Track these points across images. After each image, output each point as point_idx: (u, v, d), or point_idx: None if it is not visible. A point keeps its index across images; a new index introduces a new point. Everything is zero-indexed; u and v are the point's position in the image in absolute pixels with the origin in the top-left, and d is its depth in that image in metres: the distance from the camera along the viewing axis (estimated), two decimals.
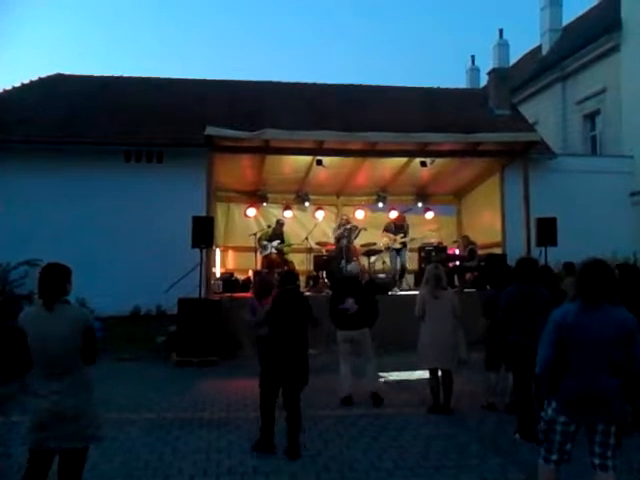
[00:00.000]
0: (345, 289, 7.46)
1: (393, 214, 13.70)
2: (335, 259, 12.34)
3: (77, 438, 3.52)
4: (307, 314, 5.84)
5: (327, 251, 12.80)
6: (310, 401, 6.86)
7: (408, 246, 13.20)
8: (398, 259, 13.00)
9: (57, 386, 3.50)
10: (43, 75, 17.90)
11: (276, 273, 9.46)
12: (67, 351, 3.53)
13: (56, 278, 3.63)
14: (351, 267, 8.44)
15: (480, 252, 12.85)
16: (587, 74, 19.33)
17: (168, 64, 61.64)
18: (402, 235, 12.99)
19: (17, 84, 17.43)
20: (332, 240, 13.04)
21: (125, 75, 18.50)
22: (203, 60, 68.70)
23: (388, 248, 13.01)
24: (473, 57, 27.47)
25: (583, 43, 19.30)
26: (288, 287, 6.02)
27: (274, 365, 5.52)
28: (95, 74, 18.15)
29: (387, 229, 13.18)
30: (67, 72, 18.21)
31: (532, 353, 4.35)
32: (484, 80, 22.97)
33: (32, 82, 17.54)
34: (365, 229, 13.26)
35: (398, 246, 12.95)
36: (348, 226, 12.86)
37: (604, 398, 3.54)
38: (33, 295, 10.71)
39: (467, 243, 13.10)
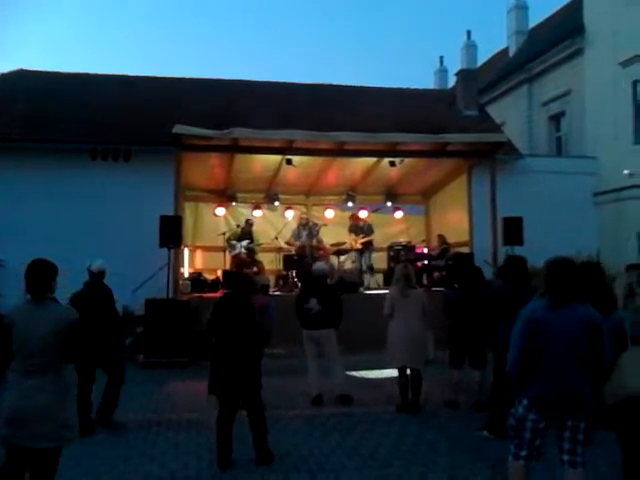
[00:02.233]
0: (310, 289, 7.43)
1: (363, 213, 13.77)
2: (302, 260, 12.31)
3: (47, 438, 3.45)
4: (252, 324, 5.28)
5: (297, 251, 12.77)
6: (279, 402, 6.85)
7: (373, 246, 13.29)
8: (363, 260, 13.11)
9: (32, 383, 3.45)
10: (5, 71, 17.50)
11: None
12: (45, 349, 3.47)
13: (43, 273, 3.65)
14: (318, 266, 7.88)
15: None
16: (552, 76, 19.63)
17: (135, 62, 60.94)
18: (363, 235, 13.07)
19: None
20: (297, 243, 12.89)
21: (92, 72, 18.14)
22: (171, 58, 67.96)
23: (351, 249, 13.14)
24: (441, 58, 27.65)
25: (548, 46, 19.60)
26: (231, 291, 5.54)
27: (214, 379, 5.18)
28: (60, 70, 17.75)
29: (349, 230, 13.33)
30: (30, 68, 17.81)
31: None
32: (452, 81, 23.22)
33: None
34: (325, 225, 13.31)
35: (359, 247, 13.04)
36: (307, 226, 12.92)
37: (573, 395, 3.59)
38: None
39: (442, 242, 13.21)
